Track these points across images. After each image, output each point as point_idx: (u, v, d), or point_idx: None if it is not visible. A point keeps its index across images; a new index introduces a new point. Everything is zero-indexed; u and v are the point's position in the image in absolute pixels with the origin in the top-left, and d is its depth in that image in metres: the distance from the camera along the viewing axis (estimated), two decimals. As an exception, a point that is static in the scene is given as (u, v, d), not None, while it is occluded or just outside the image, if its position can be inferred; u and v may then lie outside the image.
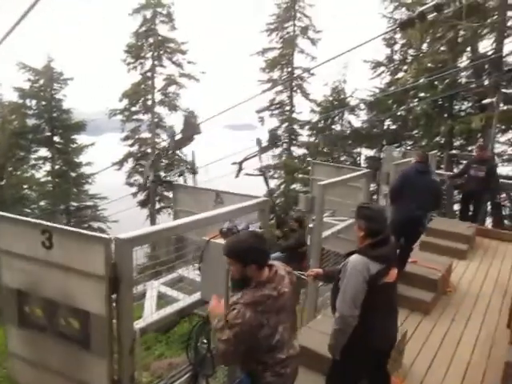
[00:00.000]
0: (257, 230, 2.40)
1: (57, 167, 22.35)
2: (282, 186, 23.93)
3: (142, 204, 23.77)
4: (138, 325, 2.89)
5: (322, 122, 22.69)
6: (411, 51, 20.78)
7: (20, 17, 2.29)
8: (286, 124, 24.94)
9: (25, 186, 22.06)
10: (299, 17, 24.95)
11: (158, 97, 24.51)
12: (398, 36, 21.15)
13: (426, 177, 5.62)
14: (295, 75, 25.09)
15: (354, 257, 2.83)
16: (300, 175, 23.63)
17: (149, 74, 24.30)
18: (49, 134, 22.01)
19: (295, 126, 24.54)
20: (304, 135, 24.48)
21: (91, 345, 2.68)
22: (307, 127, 23.67)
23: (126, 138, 24.54)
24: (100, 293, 2.57)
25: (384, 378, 3.30)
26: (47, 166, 22.38)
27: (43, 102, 21.81)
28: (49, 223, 2.72)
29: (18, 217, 2.83)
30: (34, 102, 21.78)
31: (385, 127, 21.54)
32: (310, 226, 5.45)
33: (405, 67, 20.71)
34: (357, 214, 2.98)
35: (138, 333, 2.79)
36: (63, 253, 2.63)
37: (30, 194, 22.45)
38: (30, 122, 21.85)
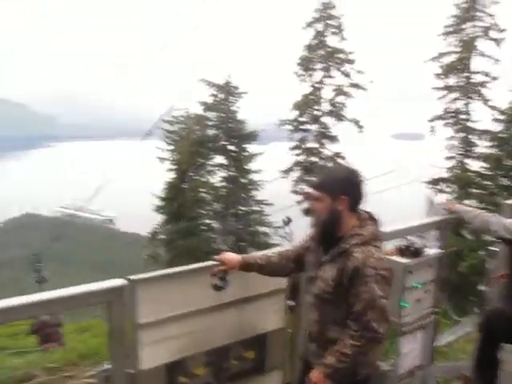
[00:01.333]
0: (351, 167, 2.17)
1: (230, 174, 24.34)
2: (454, 201, 22.20)
3: (306, 212, 24.38)
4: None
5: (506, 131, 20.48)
6: None
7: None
8: (462, 134, 23.10)
9: (202, 190, 24.56)
10: (480, 16, 22.92)
11: (325, 107, 24.99)
12: None
13: None
14: (474, 80, 23.10)
15: None
16: (475, 190, 21.67)
17: (318, 85, 24.93)
18: (225, 142, 24.21)
19: (471, 136, 22.59)
20: (481, 146, 22.38)
21: (265, 365, 2.75)
22: (486, 137, 21.60)
23: (294, 148, 25.51)
24: (279, 306, 2.77)
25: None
26: (222, 173, 24.56)
27: (222, 114, 24.09)
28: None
29: (172, 270, 2.43)
30: (214, 114, 24.15)
31: None
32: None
33: None
34: None
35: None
36: (240, 285, 2.52)
37: (206, 197, 24.86)
38: (210, 132, 24.31)
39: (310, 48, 25.02)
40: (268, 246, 24.45)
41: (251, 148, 25.32)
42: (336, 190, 2.05)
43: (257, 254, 2.48)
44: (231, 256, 2.38)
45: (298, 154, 25.73)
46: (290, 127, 25.58)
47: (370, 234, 2.05)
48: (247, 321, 2.65)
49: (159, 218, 25.69)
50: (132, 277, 2.17)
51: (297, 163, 25.48)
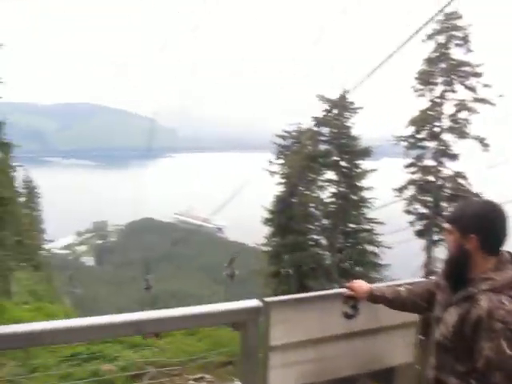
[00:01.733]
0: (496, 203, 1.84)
1: (341, 190, 23.97)
2: None
3: (419, 234, 23.13)
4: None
5: None
6: None
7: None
8: None
9: (311, 205, 24.52)
10: None
11: (445, 123, 23.53)
12: None
13: None
14: None
15: None
16: None
17: (438, 100, 23.58)
18: (336, 158, 23.92)
19: None
20: None
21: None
22: None
23: (410, 165, 24.36)
24: (410, 340, 2.65)
25: None
26: (332, 188, 24.30)
27: (334, 130, 23.85)
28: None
29: (306, 294, 2.47)
30: (326, 129, 24.03)
31: None
32: None
33: None
34: None
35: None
36: (370, 315, 2.47)
37: (315, 212, 24.74)
38: (322, 147, 24.20)
39: (429, 61, 23.77)
40: (376, 266, 23.62)
41: (363, 164, 24.71)
42: (465, 227, 1.83)
43: (385, 287, 2.36)
44: (361, 284, 2.31)
45: (413, 172, 24.49)
46: (405, 143, 24.48)
47: (504, 280, 1.77)
48: (376, 352, 2.57)
49: (266, 230, 26.15)
50: (266, 299, 2.23)
51: (411, 181, 24.26)
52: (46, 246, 56.12)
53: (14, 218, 25.45)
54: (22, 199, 42.14)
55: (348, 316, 2.33)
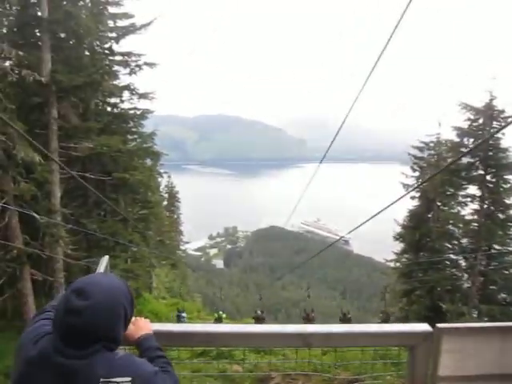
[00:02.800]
0: None
1: (485, 206, 21.73)
2: None
3: None
4: None
5: None
6: None
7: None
8: None
9: (450, 222, 22.62)
10: None
11: None
12: None
13: None
14: None
15: None
16: None
17: None
18: (481, 172, 21.74)
19: None
20: None
21: None
22: None
23: None
24: None
25: None
26: (475, 205, 22.12)
27: (479, 141, 21.73)
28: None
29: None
30: (471, 140, 22.01)
31: None
32: None
33: None
34: None
35: None
36: None
37: (453, 230, 22.80)
38: (465, 160, 22.16)
39: None
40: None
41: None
42: None
43: None
44: None
45: None
46: None
47: None
48: None
49: (395, 245, 24.87)
50: (439, 324, 2.06)
51: None
52: (182, 247, 60.53)
53: (157, 220, 27.91)
54: (165, 203, 46.00)
55: None
